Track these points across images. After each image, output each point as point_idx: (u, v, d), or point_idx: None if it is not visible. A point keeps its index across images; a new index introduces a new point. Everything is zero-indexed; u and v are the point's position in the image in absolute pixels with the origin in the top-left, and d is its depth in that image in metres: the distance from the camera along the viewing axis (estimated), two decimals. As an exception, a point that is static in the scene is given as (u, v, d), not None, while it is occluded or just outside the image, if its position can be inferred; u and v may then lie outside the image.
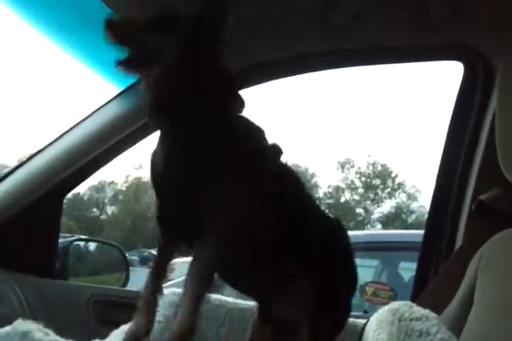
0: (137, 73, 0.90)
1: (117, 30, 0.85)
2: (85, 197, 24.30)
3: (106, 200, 26.23)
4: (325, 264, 0.96)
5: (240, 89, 0.96)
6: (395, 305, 1.03)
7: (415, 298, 1.44)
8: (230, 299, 1.28)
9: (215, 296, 1.27)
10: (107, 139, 1.44)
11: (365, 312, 1.62)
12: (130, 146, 1.50)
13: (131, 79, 1.45)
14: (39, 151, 1.47)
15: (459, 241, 1.44)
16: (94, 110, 1.47)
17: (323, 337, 0.99)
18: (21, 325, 0.61)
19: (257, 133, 0.95)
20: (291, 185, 0.99)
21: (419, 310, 0.90)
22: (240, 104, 0.93)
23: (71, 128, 1.46)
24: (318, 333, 0.96)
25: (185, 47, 0.85)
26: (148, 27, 0.85)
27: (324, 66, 1.51)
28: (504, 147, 1.06)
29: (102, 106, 1.46)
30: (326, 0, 1.21)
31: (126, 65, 0.87)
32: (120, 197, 26.17)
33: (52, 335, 0.66)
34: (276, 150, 0.97)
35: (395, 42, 1.42)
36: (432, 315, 0.87)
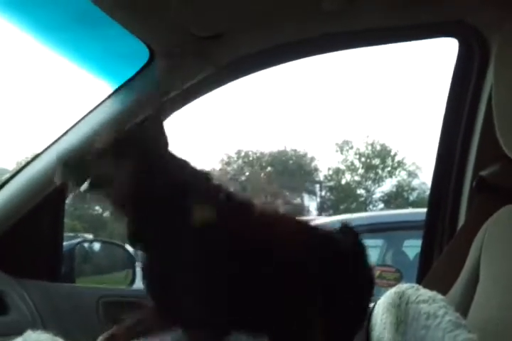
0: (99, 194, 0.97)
1: (72, 170, 0.94)
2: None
3: (107, 197, 26.25)
4: (330, 291, 0.93)
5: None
6: (401, 287, 1.03)
7: (421, 278, 1.44)
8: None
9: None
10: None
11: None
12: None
13: (123, 75, 1.45)
14: (37, 155, 1.46)
15: (461, 219, 1.44)
16: (90, 109, 1.46)
17: None
18: (30, 336, 0.61)
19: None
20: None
21: (425, 293, 0.90)
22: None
23: (68, 130, 1.45)
24: None
25: (133, 166, 0.93)
26: (97, 157, 0.94)
27: (321, 50, 1.49)
28: (502, 122, 1.05)
29: (98, 105, 1.45)
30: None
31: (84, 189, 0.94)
32: (121, 194, 26.15)
33: (63, 343, 0.65)
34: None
35: (389, 23, 1.40)
36: (439, 296, 0.87)
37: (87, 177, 0.92)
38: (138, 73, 1.39)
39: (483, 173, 1.31)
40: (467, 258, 1.09)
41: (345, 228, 1.02)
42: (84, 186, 0.92)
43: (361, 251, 1.00)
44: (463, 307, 1.00)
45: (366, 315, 1.04)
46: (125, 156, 0.93)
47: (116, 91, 1.43)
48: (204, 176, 0.97)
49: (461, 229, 1.38)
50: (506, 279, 0.93)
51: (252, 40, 1.39)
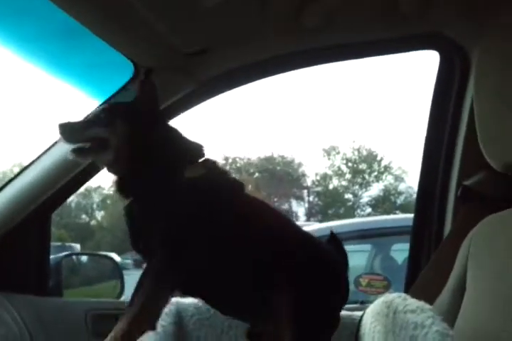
0: (90, 158, 1.12)
1: (69, 132, 1.07)
2: (73, 205, 24.08)
3: (94, 206, 26.05)
4: (303, 277, 0.99)
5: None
6: (389, 297, 1.04)
7: (409, 285, 1.45)
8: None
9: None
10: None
11: (362, 303, 1.63)
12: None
13: (107, 88, 1.45)
14: (23, 169, 1.46)
15: (448, 227, 1.46)
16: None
17: None
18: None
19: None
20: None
21: (413, 302, 0.91)
22: (193, 156, 1.07)
23: (53, 145, 1.44)
24: None
25: (127, 132, 1.05)
26: (91, 124, 1.07)
27: (302, 65, 1.51)
28: (484, 132, 1.07)
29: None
30: (297, 1, 1.21)
31: (80, 152, 1.07)
32: (108, 202, 26.00)
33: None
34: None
35: (370, 37, 1.42)
36: (427, 306, 0.88)
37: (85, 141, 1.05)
38: (122, 88, 1.39)
39: (467, 182, 1.32)
40: (454, 267, 1.10)
41: (332, 236, 1.13)
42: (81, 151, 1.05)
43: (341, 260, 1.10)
44: (450, 315, 1.00)
45: (336, 315, 1.08)
46: (118, 120, 1.05)
47: (101, 105, 1.42)
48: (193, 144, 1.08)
49: (447, 238, 1.39)
50: (491, 288, 0.94)
51: (236, 55, 1.40)
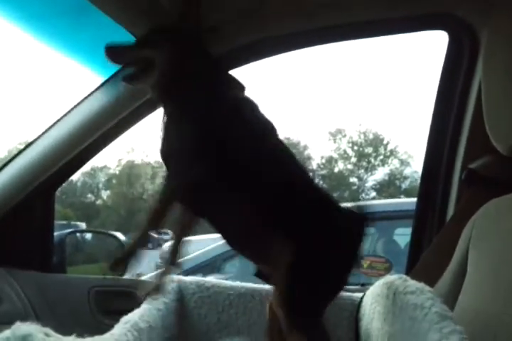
0: (141, 83, 1.10)
1: (116, 54, 1.08)
2: (78, 184, 24.23)
3: (100, 185, 26.20)
4: (310, 233, 0.97)
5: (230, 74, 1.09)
6: (389, 278, 1.04)
7: (410, 268, 1.46)
8: (228, 283, 1.29)
9: (213, 282, 1.28)
10: (95, 129, 1.42)
11: (362, 285, 1.64)
12: (120, 134, 1.48)
13: (109, 64, 1.44)
14: (27, 146, 1.46)
15: (451, 210, 1.45)
16: (79, 101, 1.44)
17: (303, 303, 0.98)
18: (19, 328, 0.61)
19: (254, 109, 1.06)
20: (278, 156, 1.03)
21: (413, 284, 0.91)
22: (237, 86, 1.07)
23: (58, 121, 1.44)
24: (294, 297, 0.96)
25: (174, 53, 1.05)
26: (139, 45, 1.08)
27: (312, 43, 1.49)
28: (491, 115, 1.06)
29: (87, 96, 1.44)
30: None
31: (131, 78, 1.09)
32: (114, 181, 26.12)
33: (54, 335, 0.65)
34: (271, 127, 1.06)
35: (379, 16, 1.40)
36: (427, 288, 0.88)
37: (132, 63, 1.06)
38: (126, 65, 1.38)
39: (472, 166, 1.32)
40: (455, 250, 1.10)
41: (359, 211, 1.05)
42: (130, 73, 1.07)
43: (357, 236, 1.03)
44: (451, 298, 1.01)
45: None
46: (163, 43, 1.06)
47: (105, 82, 1.42)
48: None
49: (450, 221, 1.39)
50: (493, 271, 0.94)
51: (239, 34, 1.38)
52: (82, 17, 1.31)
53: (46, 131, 1.45)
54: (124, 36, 1.31)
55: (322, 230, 0.98)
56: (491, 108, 1.06)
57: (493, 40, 1.07)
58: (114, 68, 1.42)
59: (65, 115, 1.44)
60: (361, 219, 1.04)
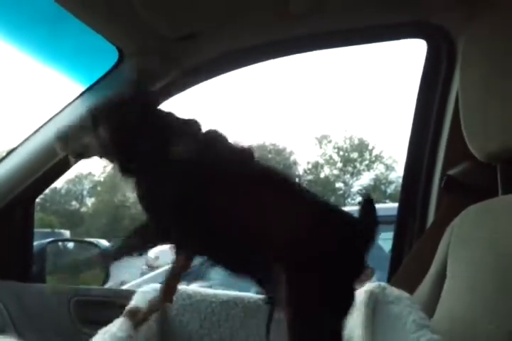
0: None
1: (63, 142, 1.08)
2: (63, 191, 23.99)
3: (84, 192, 25.97)
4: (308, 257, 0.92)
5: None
6: (370, 286, 1.04)
7: (392, 274, 1.46)
8: (211, 291, 1.28)
9: (195, 290, 1.28)
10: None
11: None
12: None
13: (92, 73, 1.43)
14: (7, 154, 1.44)
15: (431, 217, 1.46)
16: (60, 109, 1.44)
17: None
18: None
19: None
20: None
21: (392, 292, 0.91)
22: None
23: (38, 129, 1.44)
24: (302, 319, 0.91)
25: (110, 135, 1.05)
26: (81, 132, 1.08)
27: (291, 51, 1.50)
28: (469, 122, 1.07)
29: (68, 105, 1.43)
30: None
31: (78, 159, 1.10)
32: (99, 188, 25.91)
33: (27, 348, 0.64)
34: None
35: (358, 24, 1.41)
36: (405, 295, 0.87)
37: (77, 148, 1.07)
38: (107, 74, 1.38)
39: (451, 172, 1.33)
40: (435, 257, 1.11)
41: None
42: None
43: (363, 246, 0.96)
44: (430, 305, 1.01)
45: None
46: (101, 126, 1.05)
47: (85, 91, 1.41)
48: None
49: (430, 227, 1.40)
50: (471, 278, 0.95)
51: (224, 41, 1.38)
52: (61, 25, 1.30)
53: (26, 139, 1.44)
54: (103, 44, 1.30)
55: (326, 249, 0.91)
56: (468, 115, 1.07)
57: (470, 49, 1.09)
58: (94, 76, 1.41)
59: (46, 123, 1.43)
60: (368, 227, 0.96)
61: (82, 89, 1.42)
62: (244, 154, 1.04)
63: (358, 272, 0.95)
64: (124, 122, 1.05)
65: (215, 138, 1.07)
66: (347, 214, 0.99)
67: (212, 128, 1.08)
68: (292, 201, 0.99)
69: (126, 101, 1.09)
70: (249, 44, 1.40)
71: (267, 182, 1.00)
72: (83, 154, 1.09)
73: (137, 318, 1.09)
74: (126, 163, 1.06)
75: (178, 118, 1.09)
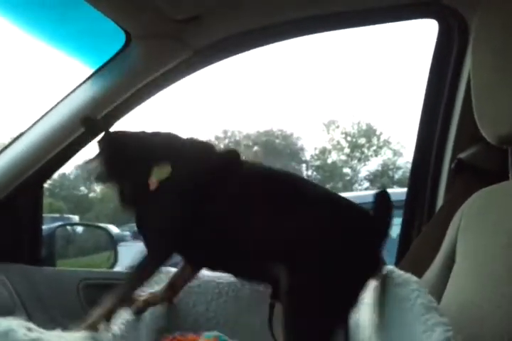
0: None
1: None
2: (71, 176, 24.13)
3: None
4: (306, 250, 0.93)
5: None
6: (378, 270, 1.04)
7: (400, 258, 1.46)
8: (218, 273, 1.28)
9: (203, 271, 1.28)
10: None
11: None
12: (109, 127, 1.47)
13: (101, 55, 1.42)
14: (15, 139, 1.44)
15: (440, 200, 1.45)
16: (68, 93, 1.43)
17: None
18: (1, 323, 0.60)
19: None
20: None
21: (400, 275, 0.90)
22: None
23: (46, 113, 1.43)
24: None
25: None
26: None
27: (302, 32, 1.47)
28: (479, 104, 1.05)
29: (76, 88, 1.43)
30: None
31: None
32: (107, 174, 25.96)
33: (36, 329, 0.65)
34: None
35: (369, 5, 1.39)
36: (413, 279, 0.87)
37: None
38: (115, 56, 1.37)
39: (461, 155, 1.32)
40: (444, 240, 1.10)
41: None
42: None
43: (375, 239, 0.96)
44: (439, 288, 1.01)
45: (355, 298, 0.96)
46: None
47: (93, 74, 1.41)
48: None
49: (439, 211, 1.39)
50: (480, 262, 0.94)
51: (231, 23, 1.36)
52: (69, 8, 1.30)
53: (35, 123, 1.43)
54: (112, 27, 1.29)
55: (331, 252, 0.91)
56: (479, 98, 1.05)
57: (482, 30, 1.06)
58: (102, 59, 1.40)
59: (54, 107, 1.43)
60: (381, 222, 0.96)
61: (90, 71, 1.42)
62: (232, 162, 1.05)
63: (373, 268, 0.95)
64: (104, 157, 1.12)
65: (195, 149, 1.08)
66: (360, 210, 0.98)
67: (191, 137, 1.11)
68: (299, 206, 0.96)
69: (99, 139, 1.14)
70: (259, 25, 1.38)
71: (269, 192, 0.99)
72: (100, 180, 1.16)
73: (136, 305, 1.13)
74: (120, 191, 1.10)
75: (151, 140, 1.10)
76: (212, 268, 1.14)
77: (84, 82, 1.42)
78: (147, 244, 1.04)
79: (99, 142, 1.14)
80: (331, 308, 0.92)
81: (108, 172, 1.11)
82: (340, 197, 1.04)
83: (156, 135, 1.11)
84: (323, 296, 0.90)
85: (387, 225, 0.96)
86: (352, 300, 0.95)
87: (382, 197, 0.98)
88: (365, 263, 0.94)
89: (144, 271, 1.04)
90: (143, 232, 1.06)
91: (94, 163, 1.13)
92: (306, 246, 0.92)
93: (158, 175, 1.03)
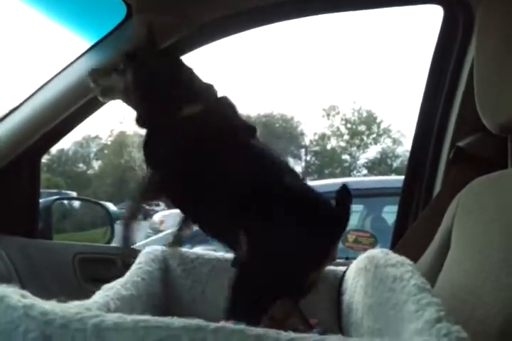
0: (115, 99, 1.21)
1: (95, 76, 1.19)
2: (70, 153, 24.11)
3: (91, 155, 26.07)
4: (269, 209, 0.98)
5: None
6: (372, 252, 1.05)
7: (395, 243, 1.47)
8: (213, 255, 1.29)
9: (198, 253, 1.28)
10: (81, 95, 1.40)
11: (347, 258, 1.65)
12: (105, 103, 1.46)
13: (100, 30, 1.41)
14: (11, 111, 1.43)
15: (437, 188, 1.46)
16: (65, 66, 1.42)
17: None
18: (-4, 291, 0.61)
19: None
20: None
21: (394, 257, 0.91)
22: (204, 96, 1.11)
23: (43, 86, 1.42)
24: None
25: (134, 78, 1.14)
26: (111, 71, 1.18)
27: (302, 14, 1.46)
28: (482, 93, 1.05)
29: (74, 61, 1.42)
30: None
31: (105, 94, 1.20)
32: (106, 152, 25.98)
33: (30, 297, 0.65)
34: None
35: None
36: (407, 261, 0.88)
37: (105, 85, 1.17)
38: (115, 30, 1.35)
39: (460, 144, 1.31)
40: (440, 227, 1.11)
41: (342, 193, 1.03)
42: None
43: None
44: (432, 274, 1.02)
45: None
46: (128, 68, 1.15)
47: (92, 47, 1.39)
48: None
49: (435, 198, 1.39)
50: (475, 248, 0.95)
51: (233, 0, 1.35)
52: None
53: (31, 96, 1.42)
54: (113, 2, 1.28)
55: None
56: (481, 85, 1.05)
57: (487, 17, 1.05)
58: (101, 33, 1.39)
59: (51, 80, 1.42)
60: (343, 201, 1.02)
61: (89, 45, 1.40)
62: (247, 131, 1.10)
63: (325, 248, 1.02)
64: (150, 72, 1.12)
65: (225, 106, 1.11)
66: (324, 198, 1.05)
67: (224, 95, 1.14)
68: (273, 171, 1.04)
69: (157, 53, 1.16)
70: (265, 2, 1.37)
71: (255, 157, 1.05)
72: (109, 93, 1.18)
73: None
74: (142, 112, 1.12)
75: (198, 78, 1.15)
76: (194, 219, 1.17)
77: (82, 54, 1.41)
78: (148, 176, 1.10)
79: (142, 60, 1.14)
80: (278, 278, 0.97)
81: (140, 92, 1.12)
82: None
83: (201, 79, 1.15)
84: (273, 267, 0.96)
85: (346, 214, 1.03)
86: (299, 276, 1.00)
87: (343, 189, 1.05)
88: (317, 243, 1.00)
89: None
90: (148, 160, 1.10)
91: (115, 77, 1.15)
92: (265, 210, 0.98)
93: (191, 109, 1.08)
